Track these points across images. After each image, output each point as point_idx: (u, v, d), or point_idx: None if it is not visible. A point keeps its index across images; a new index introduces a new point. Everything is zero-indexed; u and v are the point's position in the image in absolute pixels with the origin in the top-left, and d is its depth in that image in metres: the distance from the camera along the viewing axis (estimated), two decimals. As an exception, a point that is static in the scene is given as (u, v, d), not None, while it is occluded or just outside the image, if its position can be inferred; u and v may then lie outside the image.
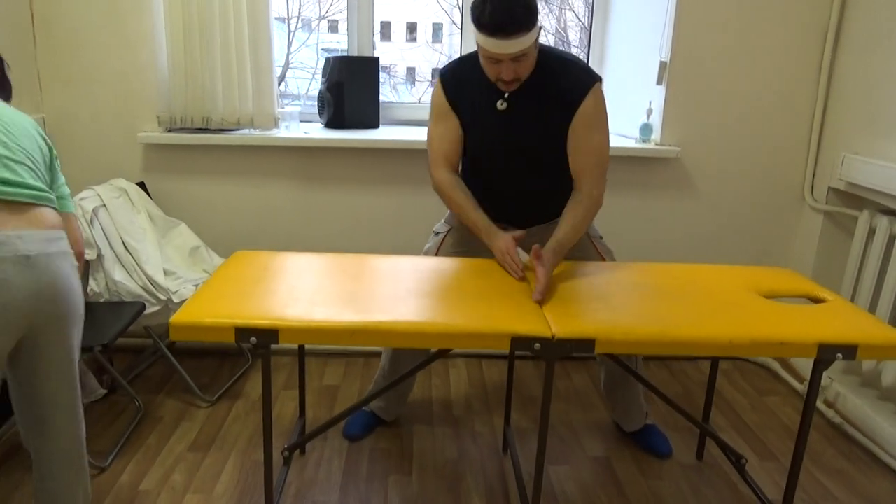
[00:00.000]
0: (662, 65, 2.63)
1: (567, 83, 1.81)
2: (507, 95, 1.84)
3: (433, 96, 1.96)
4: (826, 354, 1.48)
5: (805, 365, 2.71)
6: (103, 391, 2.36)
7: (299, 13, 3.96)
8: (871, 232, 2.39)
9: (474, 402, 2.49)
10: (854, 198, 2.55)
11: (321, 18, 4.09)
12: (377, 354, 2.84)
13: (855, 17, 2.50)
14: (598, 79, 1.84)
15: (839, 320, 1.58)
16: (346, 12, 2.86)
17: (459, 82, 1.90)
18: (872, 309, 2.36)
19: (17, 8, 2.39)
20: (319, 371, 2.68)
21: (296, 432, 2.07)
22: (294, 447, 1.89)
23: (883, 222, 2.31)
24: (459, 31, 3.00)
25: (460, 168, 2.00)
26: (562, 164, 1.89)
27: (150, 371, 2.62)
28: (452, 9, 4.49)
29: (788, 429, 2.38)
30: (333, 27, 4.14)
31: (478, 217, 1.88)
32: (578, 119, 1.81)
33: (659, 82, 2.66)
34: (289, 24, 3.84)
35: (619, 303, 1.61)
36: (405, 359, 2.13)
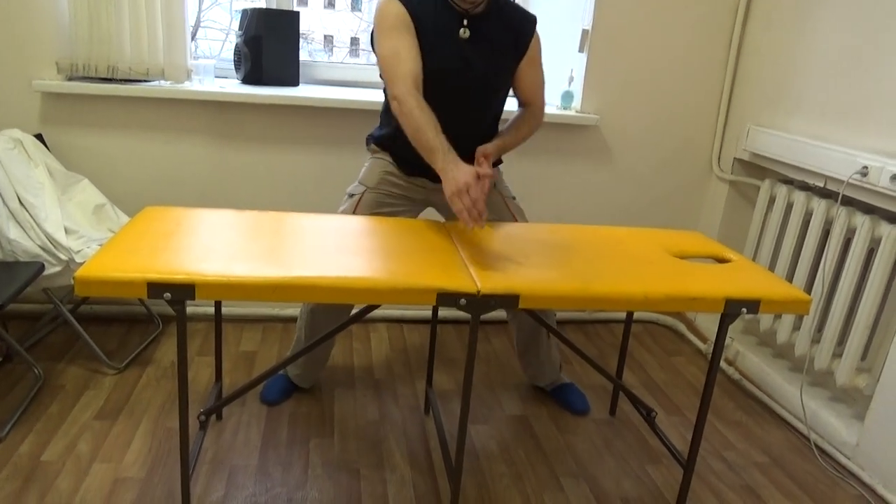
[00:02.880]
0: (584, 33, 2.67)
1: (518, 19, 1.93)
2: (467, 23, 1.85)
3: (384, 9, 1.80)
4: (732, 309, 1.56)
5: (708, 327, 2.86)
6: (-2, 359, 2.21)
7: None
8: (772, 200, 2.53)
9: (396, 366, 2.49)
10: (757, 168, 2.69)
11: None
12: (295, 319, 2.79)
13: (763, -6, 2.62)
14: (536, 19, 1.99)
15: (744, 278, 1.67)
16: None
17: (415, 4, 1.81)
18: (771, 269, 2.51)
19: None
20: (236, 337, 2.60)
21: (212, 397, 2.00)
22: (210, 411, 1.83)
23: (782, 191, 2.46)
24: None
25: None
26: (500, 103, 1.99)
27: (50, 338, 2.46)
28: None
29: (693, 386, 2.52)
30: None
31: (438, 141, 1.65)
32: (531, 52, 1.95)
33: (580, 50, 2.70)
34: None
35: (541, 261, 1.64)
36: (323, 322, 2.09)
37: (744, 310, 1.57)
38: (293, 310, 2.78)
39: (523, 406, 2.28)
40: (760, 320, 2.52)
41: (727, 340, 2.64)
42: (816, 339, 2.29)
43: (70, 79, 2.38)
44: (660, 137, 2.83)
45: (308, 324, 2.10)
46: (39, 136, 2.37)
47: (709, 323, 2.88)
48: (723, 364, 2.63)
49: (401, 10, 1.80)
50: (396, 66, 1.76)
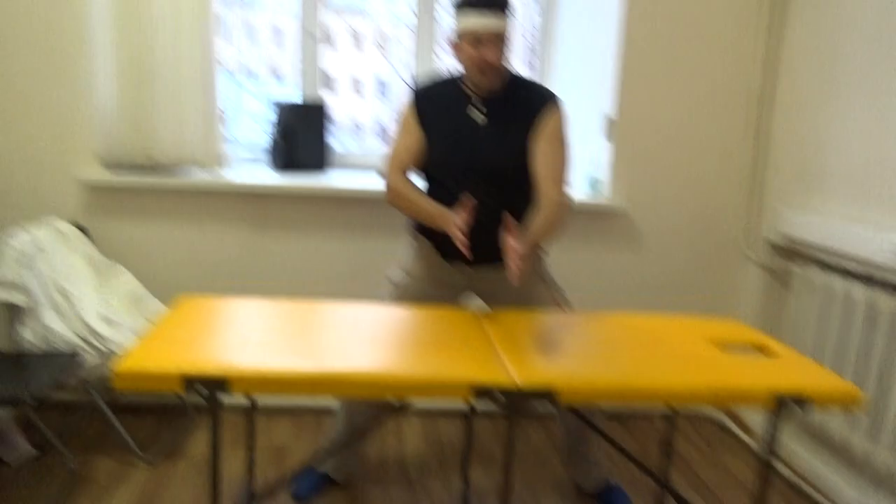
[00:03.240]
0: (610, 121, 2.72)
1: (534, 98, 1.94)
2: (484, 110, 1.91)
3: (402, 112, 2.00)
4: (782, 405, 1.49)
5: (756, 419, 2.73)
6: (33, 452, 2.21)
7: (244, 63, 3.98)
8: (810, 285, 2.46)
9: (430, 461, 2.41)
10: (791, 251, 2.64)
11: (266, 67, 4.12)
12: (328, 411, 2.75)
13: (785, 81, 2.65)
14: (557, 97, 1.97)
15: (791, 371, 1.61)
16: (292, 62, 2.88)
17: (431, 99, 1.97)
18: (816, 360, 2.41)
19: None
20: (269, 428, 2.57)
21: (243, 494, 1.95)
22: (239, 508, 1.78)
23: (820, 275, 2.39)
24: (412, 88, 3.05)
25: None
26: (523, 184, 1.96)
27: (85, 429, 2.45)
28: (400, 67, 4.60)
29: (744, 486, 2.38)
30: (277, 75, 4.18)
31: (431, 206, 1.87)
32: (546, 129, 1.90)
33: (608, 138, 2.74)
34: (233, 72, 3.85)
35: (580, 352, 1.60)
36: (360, 413, 2.06)
37: (795, 406, 1.49)
38: (327, 400, 2.74)
39: (563, 505, 2.17)
40: (813, 414, 2.40)
41: (775, 435, 2.51)
42: (875, 437, 2.16)
43: (109, 168, 2.48)
44: (690, 222, 2.82)
45: (346, 415, 2.07)
46: (81, 226, 2.46)
47: (756, 415, 2.75)
48: (777, 464, 2.49)
49: (408, 111, 1.98)
50: (391, 158, 1.98)
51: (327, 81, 2.90)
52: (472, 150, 1.91)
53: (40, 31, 2.40)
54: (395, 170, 1.97)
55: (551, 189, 1.86)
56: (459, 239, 1.71)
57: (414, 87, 2.00)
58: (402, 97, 2.02)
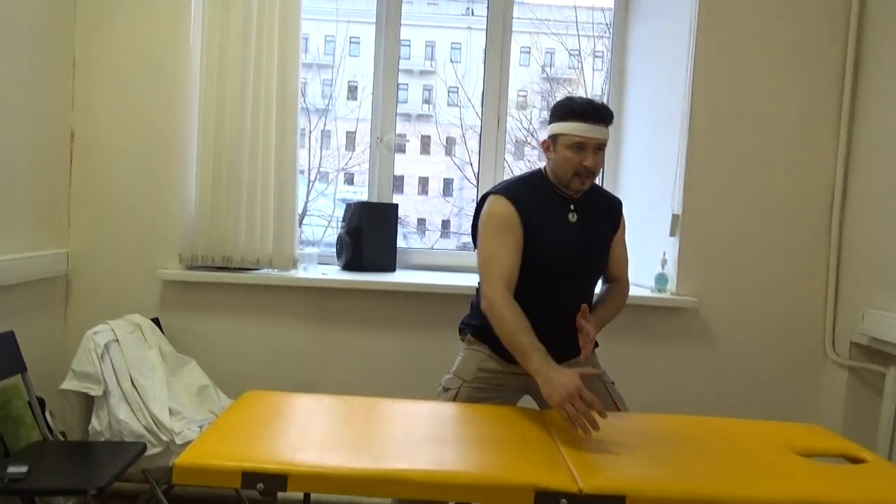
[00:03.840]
0: (674, 217, 2.69)
1: (608, 199, 2.07)
2: (573, 208, 1.94)
3: (494, 212, 1.88)
4: (876, 520, 1.36)
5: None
6: (91, 541, 2.21)
7: (319, 165, 4.19)
8: (902, 389, 2.31)
9: (488, 567, 2.28)
10: (879, 352, 2.49)
11: (339, 171, 4.32)
12: (384, 509, 2.66)
13: (860, 173, 2.58)
14: None
15: (883, 483, 1.48)
16: (365, 164, 3.01)
17: (527, 200, 1.89)
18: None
19: (57, 151, 2.52)
20: (321, 526, 2.50)
21: None
22: None
23: (913, 379, 2.24)
24: (474, 185, 3.13)
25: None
26: (594, 281, 2.06)
27: (141, 520, 2.45)
28: (465, 165, 4.76)
29: None
30: (349, 180, 4.38)
31: (530, 345, 1.70)
32: (619, 232, 2.07)
33: (672, 234, 2.70)
34: (309, 175, 4.05)
35: (649, 455, 1.52)
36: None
37: (890, 522, 1.37)
38: (382, 499, 2.67)
39: None
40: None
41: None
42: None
43: (189, 268, 2.60)
44: (764, 320, 2.70)
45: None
46: (156, 320, 2.55)
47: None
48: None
49: (509, 211, 1.86)
50: (492, 267, 1.84)
51: (396, 182, 3.03)
52: (571, 248, 1.92)
53: (139, 146, 2.60)
54: (498, 280, 1.81)
55: (623, 278, 2.11)
56: (571, 418, 1.55)
57: (503, 190, 1.92)
58: (477, 198, 2.03)
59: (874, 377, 2.54)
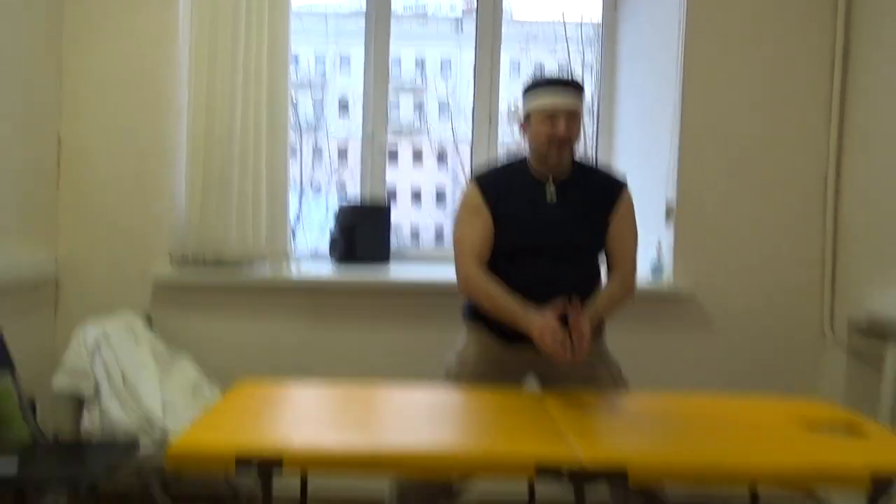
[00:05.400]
0: (669, 205, 2.68)
1: (605, 181, 1.99)
2: (553, 188, 1.91)
3: (466, 196, 1.98)
4: (880, 486, 1.34)
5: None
6: (84, 543, 2.17)
7: (312, 178, 4.19)
8: (901, 367, 2.29)
9: (490, 559, 2.25)
10: (877, 331, 2.48)
11: (332, 174, 4.32)
12: (381, 501, 2.63)
13: (853, 157, 2.58)
14: (626, 181, 2.02)
15: (889, 450, 1.46)
16: (358, 176, 2.99)
17: (497, 182, 1.96)
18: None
19: (44, 156, 2.49)
20: (320, 522, 2.46)
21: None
22: None
23: (912, 356, 2.23)
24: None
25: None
26: (595, 259, 1.98)
27: (137, 522, 2.41)
28: (458, 175, 4.77)
29: (842, 589, 2.13)
30: (342, 197, 4.40)
31: (511, 303, 1.82)
32: (618, 212, 1.96)
33: (667, 223, 2.69)
34: (300, 187, 4.05)
35: (649, 431, 1.50)
36: (412, 501, 1.95)
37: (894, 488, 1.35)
38: (380, 487, 2.63)
39: None
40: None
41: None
42: None
43: (180, 266, 2.56)
44: (762, 304, 2.69)
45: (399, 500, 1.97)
46: (148, 318, 2.52)
47: (848, 502, 2.50)
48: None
49: (475, 195, 1.95)
50: (462, 248, 1.94)
51: (389, 194, 3.02)
52: (545, 228, 1.91)
53: (127, 148, 2.58)
54: (468, 258, 1.92)
55: (623, 268, 1.97)
56: (550, 348, 1.68)
57: (476, 175, 2.01)
58: (463, 188, 2.02)
59: (873, 357, 2.53)
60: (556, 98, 1.85)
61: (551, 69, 2.01)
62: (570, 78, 1.89)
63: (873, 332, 2.50)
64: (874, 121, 2.47)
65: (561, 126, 1.85)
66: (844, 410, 1.76)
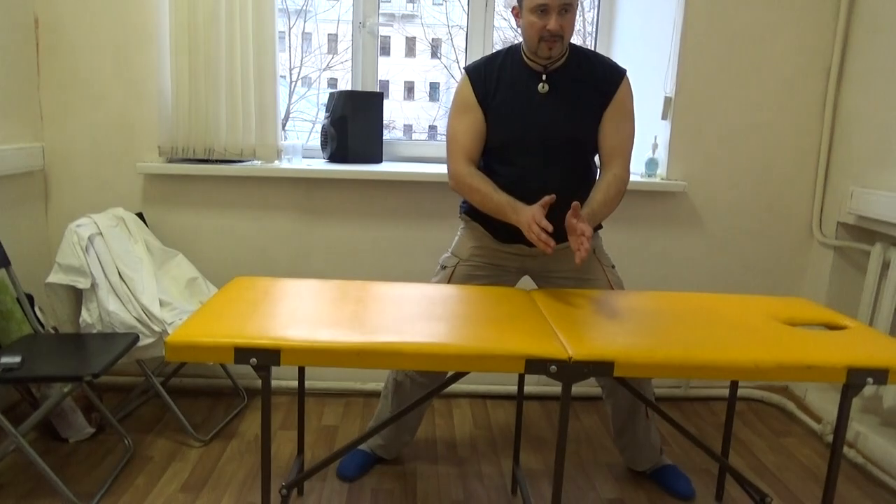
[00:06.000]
0: (667, 100, 2.63)
1: (602, 71, 1.89)
2: (545, 79, 1.86)
3: (458, 91, 1.94)
4: (856, 379, 1.40)
5: (822, 405, 2.62)
6: (91, 430, 2.26)
7: (301, 68, 4.02)
8: (885, 265, 2.34)
9: (480, 443, 2.38)
10: (864, 231, 2.51)
11: (322, 70, 4.16)
12: (377, 394, 2.74)
13: (857, 52, 2.51)
14: (626, 71, 1.92)
15: (864, 345, 1.52)
16: (349, 63, 2.88)
17: (487, 76, 1.90)
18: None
19: (22, 39, 2.38)
20: (318, 411, 2.58)
21: (293, 471, 1.96)
22: (292, 485, 1.78)
23: (896, 255, 2.27)
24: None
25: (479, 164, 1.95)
26: (589, 154, 1.93)
27: (140, 410, 2.51)
28: (452, 64, 4.59)
29: (809, 470, 2.27)
30: (333, 84, 4.24)
31: (501, 198, 1.81)
32: (614, 105, 1.88)
33: (664, 117, 2.65)
34: (290, 77, 3.90)
35: (637, 326, 1.54)
36: (408, 394, 2.04)
37: (869, 380, 1.41)
38: (375, 384, 2.74)
39: (620, 489, 2.11)
40: (884, 396, 2.28)
41: (847, 411, 2.39)
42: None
43: (170, 161, 2.53)
44: (753, 202, 2.70)
45: (394, 394, 2.06)
46: (140, 215, 2.51)
47: (822, 401, 2.63)
48: (844, 448, 2.37)
49: (465, 90, 1.90)
50: (453, 147, 1.91)
51: (381, 86, 2.91)
52: (537, 122, 1.86)
53: (108, 32, 2.46)
54: (458, 156, 1.89)
55: (617, 164, 1.88)
56: (539, 240, 1.66)
57: (468, 67, 1.94)
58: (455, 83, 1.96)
59: (859, 255, 2.57)
60: None
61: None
62: None
63: (861, 232, 2.54)
64: (883, 13, 2.38)
65: (552, 21, 1.76)
66: (826, 308, 1.80)
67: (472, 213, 1.99)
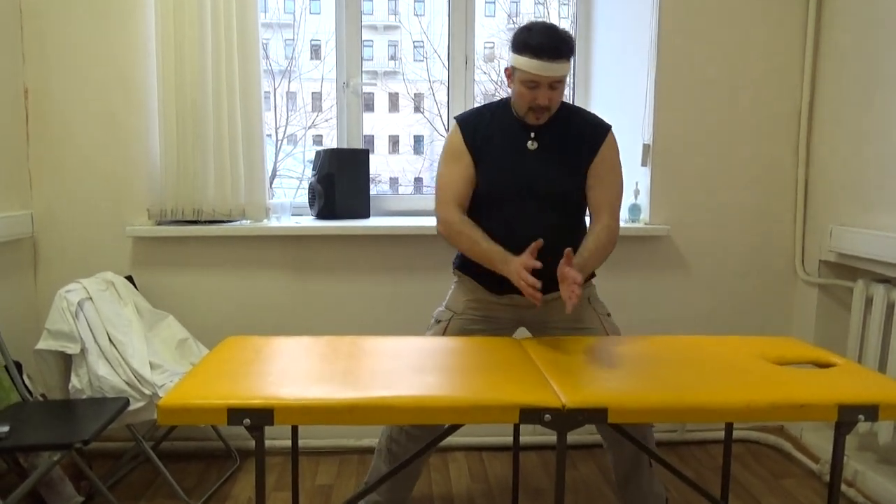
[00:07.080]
0: (646, 147, 2.70)
1: (587, 126, 1.95)
2: (534, 135, 1.90)
3: (448, 139, 1.98)
4: (847, 416, 1.41)
5: (819, 444, 2.61)
6: (81, 499, 2.21)
7: (286, 126, 4.10)
8: (869, 301, 2.37)
9: (477, 497, 2.35)
10: (846, 268, 2.55)
11: (307, 128, 4.24)
12: (372, 450, 2.70)
13: (825, 92, 2.61)
14: (611, 126, 1.97)
15: (854, 382, 1.53)
16: (333, 120, 2.95)
17: (478, 127, 1.95)
18: (881, 379, 2.30)
19: (11, 106, 2.42)
20: (312, 470, 2.54)
21: (288, 534, 1.92)
22: (287, 549, 1.74)
23: (879, 290, 2.31)
24: (445, 137, 3.10)
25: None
26: (578, 206, 1.97)
27: (131, 476, 2.46)
28: (434, 118, 4.70)
29: (810, 511, 2.26)
30: (318, 141, 4.32)
31: (490, 247, 1.83)
32: (600, 159, 1.92)
33: (644, 164, 2.71)
34: (276, 136, 3.97)
35: (629, 371, 1.55)
36: (402, 450, 2.01)
37: (860, 417, 1.42)
38: (370, 440, 2.70)
39: (619, 539, 2.08)
40: (879, 433, 2.28)
41: (841, 449, 2.38)
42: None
43: (159, 223, 2.55)
44: (736, 243, 2.75)
45: (388, 450, 2.03)
46: (129, 277, 2.51)
47: (818, 440, 2.63)
48: (843, 487, 2.36)
49: (456, 140, 1.95)
50: (442, 192, 1.94)
51: (366, 141, 2.98)
52: (526, 174, 1.90)
53: (97, 99, 2.51)
54: (448, 202, 1.92)
55: (606, 215, 1.92)
56: (526, 288, 1.69)
57: (459, 117, 2.00)
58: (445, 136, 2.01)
59: (843, 292, 2.61)
60: (541, 68, 1.78)
61: (546, 22, 1.88)
62: (559, 39, 1.80)
63: (843, 269, 2.58)
64: (848, 56, 2.48)
65: (541, 96, 1.82)
66: (814, 346, 1.82)
67: (465, 268, 2.01)
